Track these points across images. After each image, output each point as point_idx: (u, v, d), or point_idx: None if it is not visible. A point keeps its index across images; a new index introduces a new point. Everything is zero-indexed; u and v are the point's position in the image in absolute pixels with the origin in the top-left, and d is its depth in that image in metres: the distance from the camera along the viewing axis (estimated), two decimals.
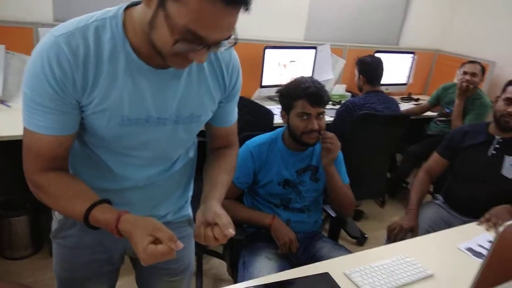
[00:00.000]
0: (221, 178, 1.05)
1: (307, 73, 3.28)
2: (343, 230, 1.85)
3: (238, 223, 1.57)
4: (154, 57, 0.82)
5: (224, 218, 0.89)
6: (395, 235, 1.85)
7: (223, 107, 1.05)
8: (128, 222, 0.84)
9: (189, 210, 1.23)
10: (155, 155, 1.01)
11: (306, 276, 1.21)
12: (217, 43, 0.77)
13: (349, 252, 1.59)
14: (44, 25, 2.41)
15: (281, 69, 3.14)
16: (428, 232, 1.83)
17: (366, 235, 2.78)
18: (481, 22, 3.81)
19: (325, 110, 1.62)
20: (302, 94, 1.54)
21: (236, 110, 1.12)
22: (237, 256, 1.64)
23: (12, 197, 2.31)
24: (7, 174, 2.55)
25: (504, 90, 1.98)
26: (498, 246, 0.75)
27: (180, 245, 0.83)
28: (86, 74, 0.83)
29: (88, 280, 1.15)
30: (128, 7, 0.86)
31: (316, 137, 1.59)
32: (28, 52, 2.39)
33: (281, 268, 1.43)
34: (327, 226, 1.97)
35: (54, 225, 1.11)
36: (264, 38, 3.04)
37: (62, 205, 0.92)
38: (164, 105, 0.92)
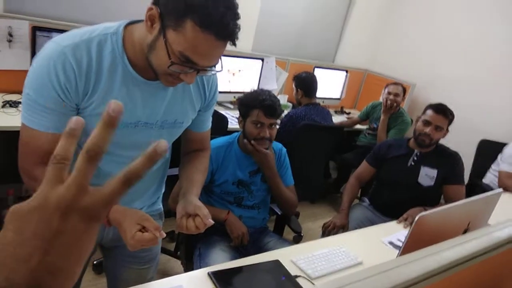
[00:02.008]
0: (197, 177, 1.19)
1: (254, 82, 3.51)
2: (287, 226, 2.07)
3: None
4: (148, 71, 0.96)
5: (204, 210, 1.04)
6: (329, 231, 2.12)
7: (201, 114, 1.21)
8: (118, 212, 0.96)
9: (160, 205, 1.36)
10: (139, 155, 1.13)
11: (260, 263, 1.39)
12: (205, 69, 0.93)
13: (293, 244, 1.81)
14: None
15: (230, 76, 3.32)
16: (356, 229, 2.12)
17: (301, 234, 3.04)
18: (404, 48, 4.35)
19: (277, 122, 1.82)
20: (259, 105, 1.73)
21: (210, 118, 1.28)
22: (192, 249, 1.78)
23: None
24: None
25: (424, 112, 2.30)
26: (414, 230, 1.00)
27: (163, 234, 0.97)
28: (87, 82, 0.93)
29: None
30: (128, 24, 0.98)
31: (266, 144, 1.79)
32: None
33: (234, 259, 1.59)
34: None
35: None
36: None
37: None
38: (152, 112, 1.05)
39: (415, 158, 2.29)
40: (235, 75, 3.35)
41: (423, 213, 1.02)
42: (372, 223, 2.25)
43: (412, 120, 3.42)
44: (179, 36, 0.86)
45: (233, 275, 1.31)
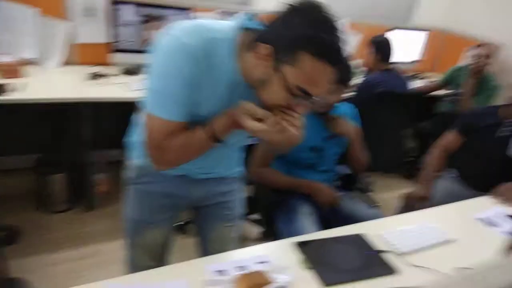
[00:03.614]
0: None
1: None
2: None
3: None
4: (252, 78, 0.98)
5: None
6: (411, 202, 2.01)
7: None
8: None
9: (241, 168, 1.41)
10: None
11: (347, 235, 1.37)
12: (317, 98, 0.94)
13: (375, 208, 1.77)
14: None
15: None
16: (441, 203, 1.99)
17: (378, 204, 2.93)
18: (490, 5, 3.87)
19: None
20: None
21: None
22: (271, 215, 1.81)
23: (49, 154, 2.43)
24: (45, 133, 2.66)
25: None
26: None
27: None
28: (202, 77, 0.98)
29: (154, 222, 1.32)
30: (242, 29, 0.99)
31: (321, 106, 1.72)
32: (60, 16, 2.44)
33: (316, 225, 1.65)
34: None
35: (131, 173, 1.28)
36: None
37: (190, 143, 1.04)
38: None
39: (507, 128, 2.07)
40: None
41: None
42: (458, 197, 2.09)
43: (500, 85, 3.10)
44: (296, 70, 0.89)
45: (320, 247, 1.29)
